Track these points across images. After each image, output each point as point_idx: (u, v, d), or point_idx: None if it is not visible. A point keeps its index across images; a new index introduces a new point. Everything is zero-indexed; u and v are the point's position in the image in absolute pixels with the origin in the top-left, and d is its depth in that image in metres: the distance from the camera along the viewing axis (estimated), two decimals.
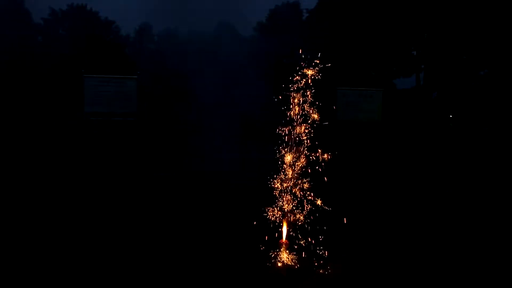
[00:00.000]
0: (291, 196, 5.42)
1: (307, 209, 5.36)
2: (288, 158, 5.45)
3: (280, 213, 5.42)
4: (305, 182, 5.42)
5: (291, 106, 5.48)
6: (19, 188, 8.93)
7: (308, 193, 5.39)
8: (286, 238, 5.41)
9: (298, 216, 5.42)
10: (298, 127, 5.47)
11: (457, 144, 18.73)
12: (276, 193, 5.44)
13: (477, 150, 17.08)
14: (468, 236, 6.71)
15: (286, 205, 5.42)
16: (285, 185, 5.46)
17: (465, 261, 5.66)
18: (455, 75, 24.85)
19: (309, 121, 5.40)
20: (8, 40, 26.21)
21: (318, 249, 5.38)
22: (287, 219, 5.43)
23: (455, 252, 5.99)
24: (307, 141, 5.42)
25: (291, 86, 5.46)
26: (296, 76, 5.44)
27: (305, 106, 5.43)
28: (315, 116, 5.40)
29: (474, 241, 6.47)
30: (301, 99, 5.44)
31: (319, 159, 5.38)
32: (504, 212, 8.21)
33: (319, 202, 5.37)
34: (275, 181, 5.47)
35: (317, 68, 5.37)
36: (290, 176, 5.44)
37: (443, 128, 22.31)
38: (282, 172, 5.47)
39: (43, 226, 6.56)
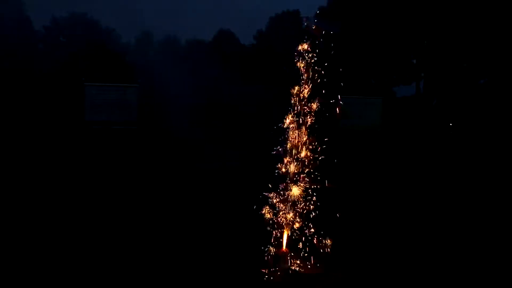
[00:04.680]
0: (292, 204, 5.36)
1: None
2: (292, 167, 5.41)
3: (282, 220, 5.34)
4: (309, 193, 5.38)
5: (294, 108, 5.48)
6: (22, 196, 8.92)
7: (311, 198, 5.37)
8: (286, 247, 5.35)
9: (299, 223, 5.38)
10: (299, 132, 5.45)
11: (457, 152, 18.75)
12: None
13: (477, 157, 17.11)
14: (469, 240, 6.72)
15: (287, 214, 5.34)
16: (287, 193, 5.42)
17: (465, 263, 5.67)
18: (455, 83, 24.94)
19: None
20: (9, 48, 26.28)
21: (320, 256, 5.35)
22: (288, 227, 5.35)
23: (456, 255, 6.00)
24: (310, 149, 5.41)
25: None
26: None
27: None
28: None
29: (474, 245, 6.46)
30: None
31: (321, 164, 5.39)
32: (504, 218, 8.22)
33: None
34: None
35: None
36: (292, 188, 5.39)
37: (443, 136, 22.35)
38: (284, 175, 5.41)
39: (48, 234, 6.54)
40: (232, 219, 7.44)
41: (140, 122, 19.61)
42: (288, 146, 5.44)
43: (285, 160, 5.42)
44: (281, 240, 5.37)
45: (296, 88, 5.46)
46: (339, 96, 5.77)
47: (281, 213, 5.36)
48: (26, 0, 31.99)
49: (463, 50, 23.89)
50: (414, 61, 27.44)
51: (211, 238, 6.50)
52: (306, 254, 5.38)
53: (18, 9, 30.39)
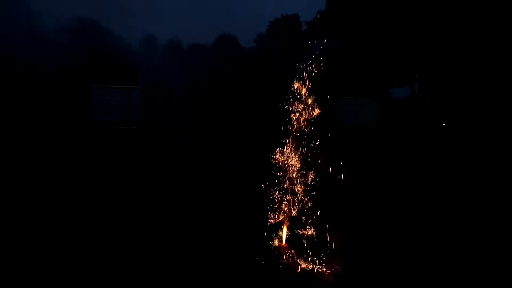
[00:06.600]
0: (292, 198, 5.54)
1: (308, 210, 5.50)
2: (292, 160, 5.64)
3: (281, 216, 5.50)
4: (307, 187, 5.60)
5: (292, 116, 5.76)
6: (30, 195, 9.04)
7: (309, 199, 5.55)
8: (285, 242, 5.55)
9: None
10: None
11: (450, 151, 19.13)
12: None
13: (470, 156, 17.42)
14: (467, 240, 6.88)
15: (286, 208, 5.55)
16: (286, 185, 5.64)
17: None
18: (449, 84, 25.35)
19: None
20: (13, 51, 26.63)
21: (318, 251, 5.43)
22: (287, 222, 5.54)
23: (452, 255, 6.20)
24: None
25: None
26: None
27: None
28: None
29: (472, 244, 6.68)
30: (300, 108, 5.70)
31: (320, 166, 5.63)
32: (500, 218, 8.35)
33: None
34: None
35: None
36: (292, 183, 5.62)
37: (437, 136, 22.78)
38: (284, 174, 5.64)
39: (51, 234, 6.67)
40: (232, 218, 7.64)
41: (143, 122, 20.24)
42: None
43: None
44: (280, 235, 5.59)
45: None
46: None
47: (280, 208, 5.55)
48: (27, 2, 32.27)
49: (457, 52, 24.26)
50: (409, 63, 27.76)
51: (211, 237, 6.64)
52: (305, 250, 5.42)
53: (18, 11, 30.68)
